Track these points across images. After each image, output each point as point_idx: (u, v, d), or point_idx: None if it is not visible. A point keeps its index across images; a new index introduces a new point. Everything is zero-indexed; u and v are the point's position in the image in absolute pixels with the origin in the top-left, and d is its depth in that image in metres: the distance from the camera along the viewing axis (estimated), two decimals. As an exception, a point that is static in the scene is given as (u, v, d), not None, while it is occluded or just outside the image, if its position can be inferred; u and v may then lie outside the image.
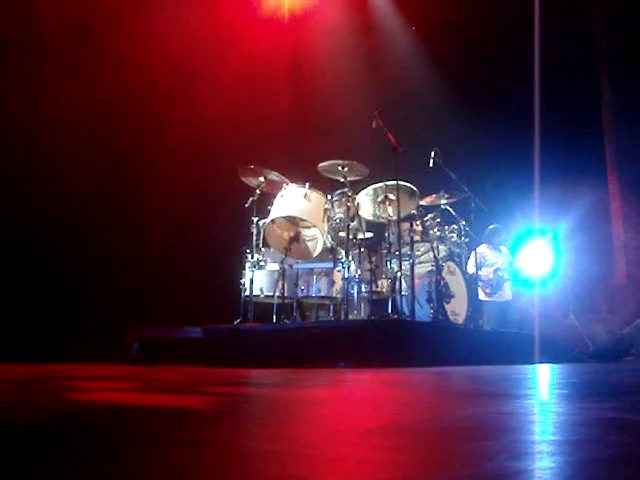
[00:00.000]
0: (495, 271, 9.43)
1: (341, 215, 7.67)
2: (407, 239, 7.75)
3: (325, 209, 7.53)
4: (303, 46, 11.37)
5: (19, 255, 8.16)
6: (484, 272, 9.37)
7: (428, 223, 8.20)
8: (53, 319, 8.05)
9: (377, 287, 7.58)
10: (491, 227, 9.60)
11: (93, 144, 8.78)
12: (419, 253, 8.19)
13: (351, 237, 7.59)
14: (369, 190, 7.88)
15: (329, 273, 7.55)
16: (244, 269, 7.69)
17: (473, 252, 8.73)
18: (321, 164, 7.72)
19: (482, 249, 9.41)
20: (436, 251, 8.06)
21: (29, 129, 8.35)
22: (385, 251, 7.71)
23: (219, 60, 9.86)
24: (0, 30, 8.21)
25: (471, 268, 8.79)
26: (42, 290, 8.21)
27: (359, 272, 7.50)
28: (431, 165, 8.28)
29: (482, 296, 9.31)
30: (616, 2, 11.98)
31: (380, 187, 7.80)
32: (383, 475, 1.35)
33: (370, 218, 8.12)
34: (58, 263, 8.39)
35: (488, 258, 9.51)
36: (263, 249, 7.74)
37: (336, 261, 7.49)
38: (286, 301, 7.47)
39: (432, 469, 1.41)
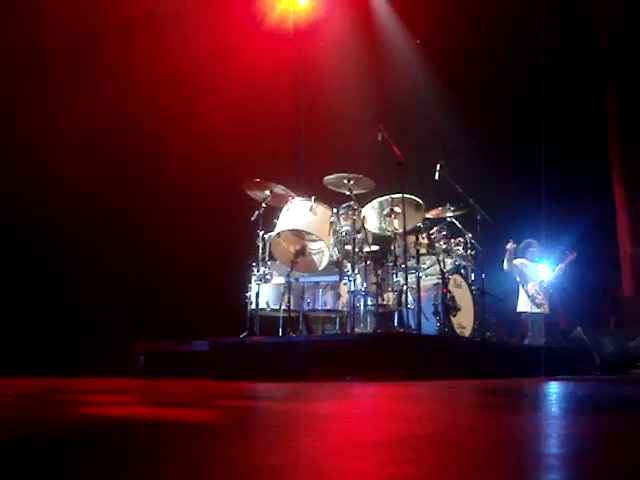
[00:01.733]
0: (540, 283, 9.64)
1: (347, 228, 7.67)
2: (413, 252, 7.73)
3: (331, 222, 7.52)
4: (308, 59, 11.38)
5: (26, 269, 8.19)
6: (530, 287, 9.62)
7: (434, 236, 8.16)
8: (59, 333, 8.06)
9: (383, 300, 7.55)
10: (528, 241, 9.83)
11: (98, 158, 8.81)
12: (425, 266, 8.16)
13: (357, 250, 7.58)
14: (375, 203, 7.88)
15: (335, 286, 7.53)
16: (250, 282, 7.68)
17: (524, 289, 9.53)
18: (327, 177, 7.72)
19: (526, 264, 9.71)
20: (442, 264, 8.02)
21: (34, 146, 8.39)
22: (391, 264, 7.69)
23: (225, 74, 9.88)
24: (9, 45, 8.27)
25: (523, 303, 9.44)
26: (48, 304, 8.23)
27: (365, 285, 7.48)
28: (437, 178, 8.27)
29: (526, 308, 9.61)
30: (620, 14, 12.00)
31: (386, 200, 7.80)
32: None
33: (376, 231, 8.11)
34: (65, 277, 8.41)
35: (530, 272, 9.72)
36: (269, 262, 7.73)
37: (342, 274, 7.48)
38: (292, 314, 7.45)
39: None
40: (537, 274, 9.77)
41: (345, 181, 7.62)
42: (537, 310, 9.60)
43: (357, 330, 7.30)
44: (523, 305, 9.64)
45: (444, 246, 8.19)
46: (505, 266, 9.48)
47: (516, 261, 9.58)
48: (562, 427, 2.44)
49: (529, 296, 9.57)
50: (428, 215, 8.32)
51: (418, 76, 12.11)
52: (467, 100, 11.41)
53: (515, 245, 9.58)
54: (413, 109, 11.37)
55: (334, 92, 11.26)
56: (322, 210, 7.51)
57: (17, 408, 3.46)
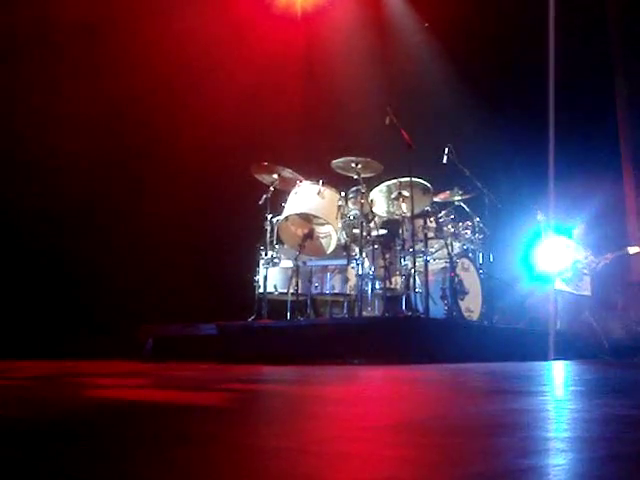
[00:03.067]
0: (574, 262, 9.60)
1: (355, 212, 7.67)
2: (421, 236, 7.73)
3: (339, 206, 7.52)
4: (316, 43, 11.34)
5: (35, 254, 8.22)
6: (561, 263, 9.52)
7: (442, 220, 8.14)
8: (68, 317, 8.10)
9: (391, 284, 7.55)
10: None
11: (107, 143, 8.82)
12: (433, 250, 8.15)
13: (365, 234, 7.58)
14: (383, 187, 7.87)
15: (343, 270, 7.54)
16: (258, 266, 7.69)
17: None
18: (335, 161, 7.71)
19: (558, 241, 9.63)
20: (450, 248, 8.01)
21: (43, 131, 8.40)
22: (399, 248, 7.69)
23: (232, 58, 9.86)
24: (15, 31, 8.26)
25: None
26: (57, 288, 8.27)
27: (373, 269, 7.48)
28: (445, 161, 8.25)
29: (558, 285, 9.45)
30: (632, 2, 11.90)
31: (394, 184, 7.78)
32: (393, 471, 1.35)
33: (384, 215, 8.10)
34: (73, 261, 8.43)
35: (566, 251, 9.65)
36: (277, 246, 7.74)
37: (350, 258, 7.48)
38: (300, 298, 7.47)
39: (443, 466, 1.40)
40: (571, 253, 9.77)
41: (353, 165, 7.61)
42: (567, 288, 9.60)
43: (365, 314, 7.32)
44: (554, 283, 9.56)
45: (452, 230, 8.17)
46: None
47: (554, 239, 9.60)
48: (569, 411, 2.44)
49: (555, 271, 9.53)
50: (436, 199, 8.31)
51: (426, 59, 12.04)
52: (476, 83, 11.35)
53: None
54: (421, 92, 11.31)
55: (342, 75, 11.22)
56: (330, 194, 7.51)
57: (27, 390, 3.49)
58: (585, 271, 9.66)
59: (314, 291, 7.51)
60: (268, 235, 7.67)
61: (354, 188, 7.78)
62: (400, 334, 6.24)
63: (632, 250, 9.58)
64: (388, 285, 7.44)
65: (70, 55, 8.72)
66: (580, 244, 9.80)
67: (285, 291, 7.49)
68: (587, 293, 9.59)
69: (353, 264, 7.40)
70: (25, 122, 8.35)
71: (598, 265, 9.70)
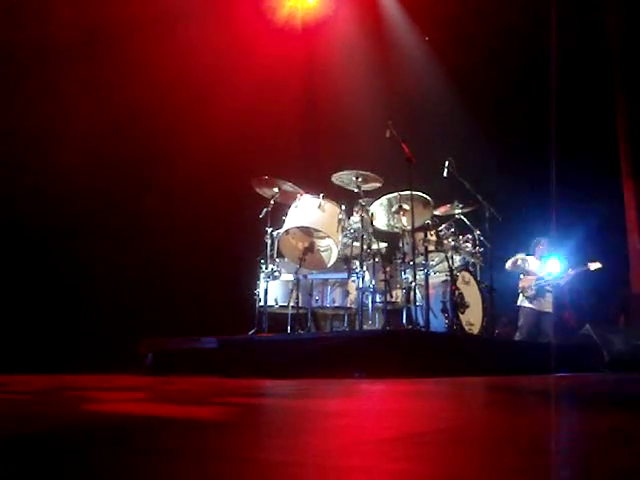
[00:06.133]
0: (538, 279, 9.92)
1: (355, 225, 7.68)
2: (421, 249, 7.74)
3: (339, 219, 7.53)
4: (317, 57, 11.39)
5: (35, 266, 8.22)
6: (526, 280, 9.96)
7: (442, 233, 8.16)
8: (69, 331, 8.10)
9: (391, 297, 7.55)
10: (538, 239, 10.24)
11: (108, 155, 8.84)
12: (433, 263, 8.16)
13: (365, 247, 7.59)
14: (383, 200, 7.88)
15: (343, 283, 7.55)
16: (258, 279, 7.70)
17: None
18: (335, 174, 7.73)
19: (529, 259, 10.08)
20: (450, 261, 8.02)
21: (46, 143, 8.42)
22: (399, 261, 7.69)
23: (233, 71, 9.91)
24: (19, 42, 8.30)
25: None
26: (58, 301, 8.27)
27: (373, 282, 7.48)
28: (445, 175, 8.27)
29: (520, 301, 10.00)
30: (630, 12, 11.95)
31: (394, 197, 7.80)
32: (394, 485, 1.35)
33: (384, 228, 8.12)
34: (74, 274, 8.45)
35: (533, 268, 10.04)
36: (277, 259, 7.74)
37: (350, 271, 7.49)
38: (300, 311, 7.47)
39: (445, 479, 1.40)
40: (540, 269, 10.06)
41: (353, 178, 7.63)
42: (529, 305, 9.90)
43: (365, 327, 7.32)
44: (518, 299, 10.07)
45: (452, 243, 8.18)
46: (507, 265, 9.73)
47: (518, 255, 9.92)
48: (570, 424, 2.43)
49: (519, 288, 9.95)
50: (436, 212, 8.33)
51: (427, 73, 12.10)
52: (476, 97, 11.39)
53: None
54: (422, 106, 11.36)
55: (343, 89, 11.27)
56: (330, 207, 7.52)
57: (27, 404, 3.48)
58: (548, 288, 9.94)
59: (315, 304, 7.52)
60: (269, 248, 7.68)
61: (354, 201, 7.82)
62: (401, 348, 6.23)
63: (593, 266, 9.79)
64: (389, 298, 7.44)
65: (74, 69, 8.76)
66: (563, 260, 9.98)
67: (286, 304, 7.50)
68: (548, 310, 9.79)
69: (354, 277, 7.41)
70: (26, 140, 8.38)
71: (561, 281, 9.89)
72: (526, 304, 9.95)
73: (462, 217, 8.52)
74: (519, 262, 9.78)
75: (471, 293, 8.11)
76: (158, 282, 8.88)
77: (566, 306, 10.16)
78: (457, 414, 2.88)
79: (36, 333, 7.90)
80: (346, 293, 7.51)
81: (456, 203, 8.43)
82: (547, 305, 9.93)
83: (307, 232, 7.71)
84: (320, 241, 7.76)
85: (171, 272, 9.09)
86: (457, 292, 7.79)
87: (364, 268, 7.39)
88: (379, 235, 8.13)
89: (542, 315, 9.89)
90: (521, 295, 10.03)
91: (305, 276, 7.56)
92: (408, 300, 7.39)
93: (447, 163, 8.29)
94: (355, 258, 7.64)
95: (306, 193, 7.72)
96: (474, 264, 8.56)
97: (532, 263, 10.08)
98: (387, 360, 6.03)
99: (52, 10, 8.69)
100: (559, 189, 9.68)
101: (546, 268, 10.00)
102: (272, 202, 7.86)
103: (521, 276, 10.06)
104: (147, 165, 9.22)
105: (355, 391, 4.61)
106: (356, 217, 7.73)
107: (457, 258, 8.33)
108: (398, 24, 12.33)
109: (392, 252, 8.11)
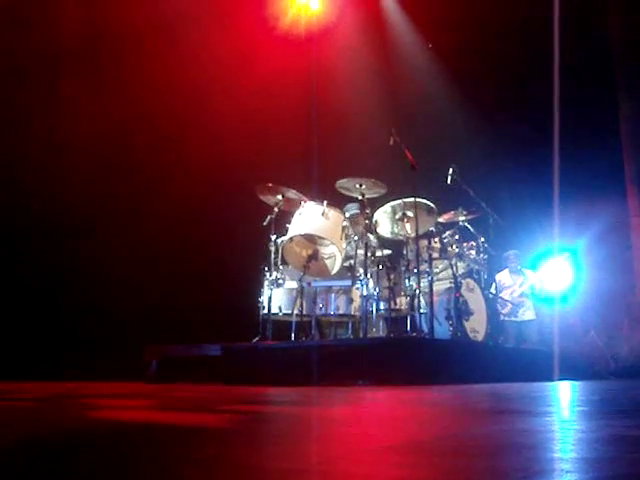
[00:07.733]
0: (512, 293, 9.84)
1: (359, 233, 7.68)
2: (425, 256, 7.73)
3: (343, 227, 7.53)
4: (320, 64, 11.40)
5: (38, 274, 8.23)
6: (503, 294, 9.77)
7: (446, 240, 8.16)
8: (72, 337, 8.10)
9: (396, 305, 7.55)
10: (507, 253, 10.00)
11: (112, 161, 8.87)
12: (437, 270, 8.16)
13: (369, 254, 7.58)
14: (387, 207, 7.89)
15: (347, 291, 7.54)
16: (263, 287, 7.70)
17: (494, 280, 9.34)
18: (339, 182, 7.74)
19: (501, 276, 9.90)
20: (455, 268, 8.01)
21: (50, 148, 8.45)
22: (403, 268, 7.69)
23: (237, 79, 9.92)
24: (23, 50, 8.34)
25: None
26: (61, 308, 8.27)
27: (377, 290, 7.48)
28: (449, 182, 8.28)
29: (501, 316, 9.70)
30: (633, 15, 11.95)
31: (398, 204, 7.80)
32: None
33: (388, 235, 8.12)
34: (77, 281, 8.45)
35: (506, 283, 9.94)
36: (281, 267, 7.74)
37: (354, 279, 7.48)
38: (304, 319, 7.47)
39: (447, 487, 1.40)
40: (514, 281, 9.98)
41: (357, 185, 7.64)
42: (509, 319, 9.84)
43: (369, 334, 7.32)
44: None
45: (456, 250, 8.17)
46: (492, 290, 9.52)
47: (499, 275, 9.86)
48: (575, 431, 2.42)
49: (499, 303, 9.72)
50: (440, 219, 8.32)
51: (430, 79, 12.10)
52: (480, 103, 11.39)
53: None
54: (425, 113, 11.36)
55: (346, 96, 11.28)
56: (334, 214, 7.52)
57: (28, 412, 3.48)
58: (523, 298, 9.97)
59: (319, 312, 7.51)
60: (272, 256, 7.68)
61: (358, 208, 7.83)
62: (405, 355, 6.22)
63: (534, 276, 9.89)
64: (393, 306, 7.44)
65: (77, 75, 8.79)
66: (517, 273, 10.03)
67: (290, 312, 7.49)
68: (530, 317, 9.74)
69: (358, 285, 7.40)
70: (29, 145, 8.41)
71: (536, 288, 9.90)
72: (507, 318, 9.86)
73: (466, 224, 8.52)
74: (495, 287, 9.52)
75: (475, 300, 8.11)
76: (162, 289, 8.87)
77: (571, 312, 10.11)
78: (462, 421, 2.87)
79: (39, 340, 7.90)
80: (350, 300, 7.50)
81: (460, 210, 8.43)
82: (528, 314, 9.90)
83: (311, 239, 7.71)
84: (324, 248, 7.76)
85: (175, 279, 9.08)
86: (461, 299, 7.78)
87: (368, 275, 7.38)
88: (383, 242, 8.13)
89: (523, 325, 9.86)
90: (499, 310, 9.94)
91: (309, 283, 7.55)
92: (412, 307, 7.39)
93: (451, 170, 8.29)
94: (359, 265, 7.64)
95: (310, 200, 7.72)
96: (478, 271, 8.55)
97: (505, 278, 9.99)
98: (391, 367, 6.03)
99: (55, 18, 8.73)
100: (563, 196, 9.68)
101: (519, 279, 9.96)
102: (276, 209, 7.86)
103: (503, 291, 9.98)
104: (150, 175, 9.23)
105: (359, 398, 4.60)
106: (360, 225, 7.73)
107: (461, 265, 8.33)
108: (401, 31, 12.36)
109: (396, 259, 8.11)
